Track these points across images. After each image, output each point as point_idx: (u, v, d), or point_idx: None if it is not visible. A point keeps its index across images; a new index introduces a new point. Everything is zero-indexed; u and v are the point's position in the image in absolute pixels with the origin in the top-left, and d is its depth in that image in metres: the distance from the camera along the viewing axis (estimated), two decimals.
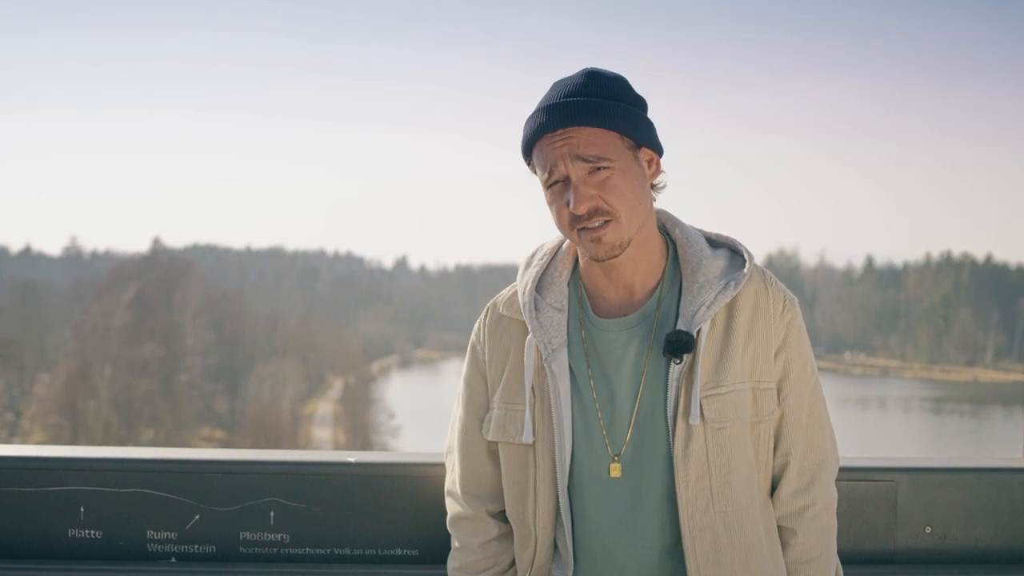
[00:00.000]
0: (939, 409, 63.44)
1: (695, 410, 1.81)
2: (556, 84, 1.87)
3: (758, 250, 1.93)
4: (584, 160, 1.79)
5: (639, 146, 1.84)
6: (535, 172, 1.89)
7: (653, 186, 1.88)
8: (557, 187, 1.82)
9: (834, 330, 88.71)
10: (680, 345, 1.81)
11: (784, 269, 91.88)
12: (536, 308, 1.91)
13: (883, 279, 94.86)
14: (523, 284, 1.95)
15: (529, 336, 1.90)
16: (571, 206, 1.79)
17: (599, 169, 1.79)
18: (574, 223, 1.81)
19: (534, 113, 1.85)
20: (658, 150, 1.88)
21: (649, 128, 1.86)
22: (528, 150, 1.87)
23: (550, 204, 1.85)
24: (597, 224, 1.80)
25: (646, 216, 1.86)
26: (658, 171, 1.88)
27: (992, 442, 49.90)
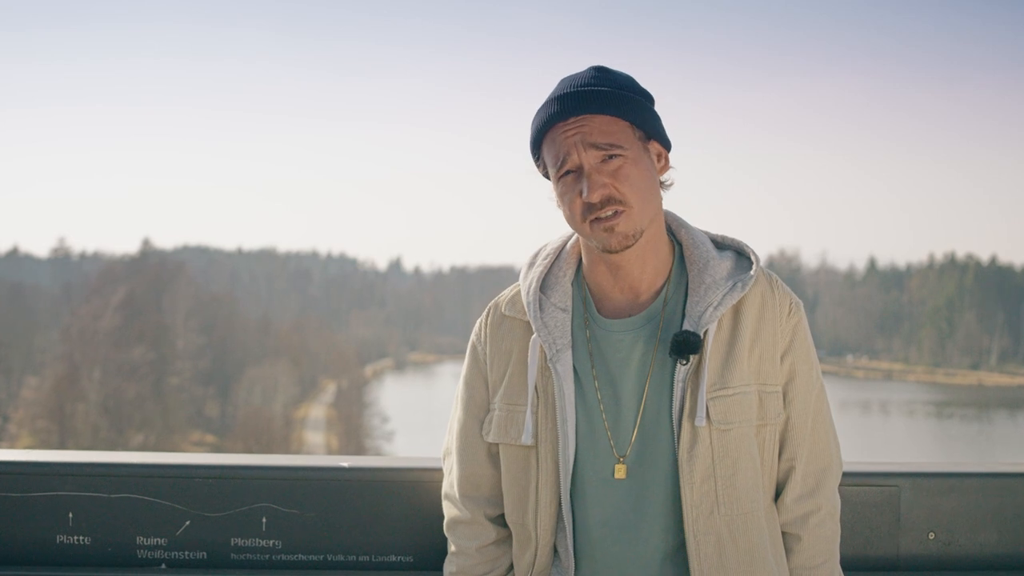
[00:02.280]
0: (943, 413, 63.44)
1: (701, 411, 1.80)
2: (564, 79, 1.87)
3: (759, 251, 1.93)
4: (597, 148, 1.78)
5: (649, 138, 1.84)
6: (542, 169, 1.88)
7: (661, 183, 1.87)
8: (569, 178, 1.81)
9: (836, 333, 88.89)
10: (687, 346, 1.80)
11: (785, 270, 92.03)
12: (540, 308, 1.90)
13: (886, 281, 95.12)
14: (527, 284, 1.94)
15: (533, 336, 1.88)
16: (584, 195, 1.78)
17: (612, 157, 1.79)
18: (587, 213, 1.80)
19: (544, 104, 1.84)
20: (667, 145, 1.88)
21: (658, 121, 1.87)
22: (537, 143, 1.86)
23: (561, 196, 1.84)
24: (610, 213, 1.79)
25: (656, 210, 1.85)
26: (667, 166, 1.88)
27: (997, 446, 50.09)
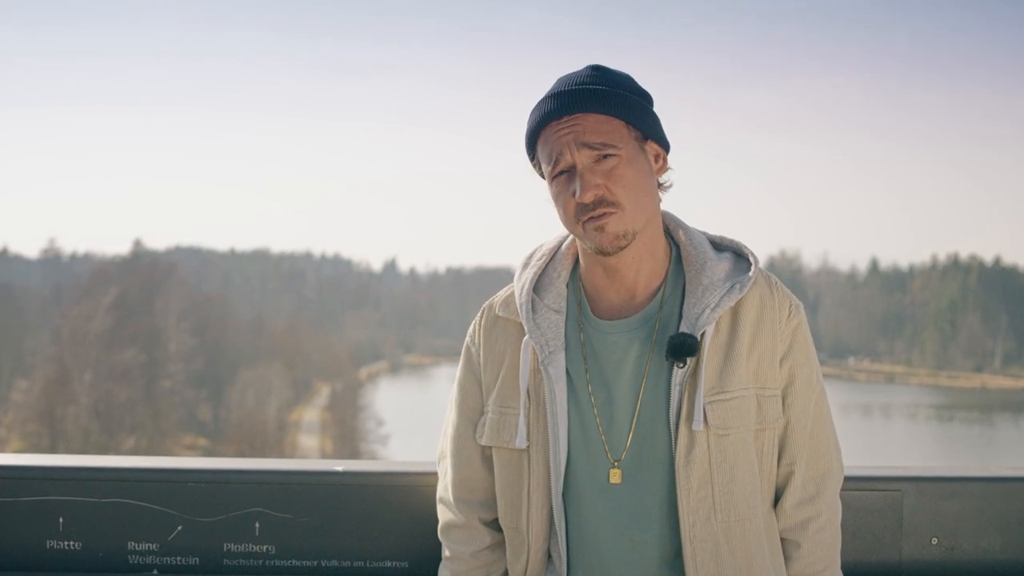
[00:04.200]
0: (946, 416, 63.22)
1: (698, 416, 1.77)
2: (561, 78, 1.86)
3: (759, 252, 1.91)
4: (590, 147, 1.77)
5: (646, 138, 1.82)
6: (538, 169, 1.86)
7: (659, 184, 1.86)
8: (562, 178, 1.80)
9: (838, 335, 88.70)
10: (684, 348, 1.77)
11: (786, 272, 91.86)
12: (533, 309, 1.88)
13: (888, 282, 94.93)
14: (520, 285, 1.92)
15: (525, 338, 1.86)
16: (577, 195, 1.76)
17: (605, 157, 1.77)
18: (580, 214, 1.78)
19: (539, 103, 1.83)
20: (665, 145, 1.86)
21: (656, 121, 1.85)
22: (532, 142, 1.85)
23: (556, 197, 1.82)
24: (600, 214, 1.77)
25: (652, 212, 1.83)
26: (664, 167, 1.86)
27: (1000, 450, 50.17)
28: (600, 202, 1.76)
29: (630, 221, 1.78)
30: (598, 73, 1.82)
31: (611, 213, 1.76)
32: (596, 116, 1.77)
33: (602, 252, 1.80)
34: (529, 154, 1.87)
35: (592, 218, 1.77)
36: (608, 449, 1.82)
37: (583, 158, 1.77)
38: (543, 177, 1.86)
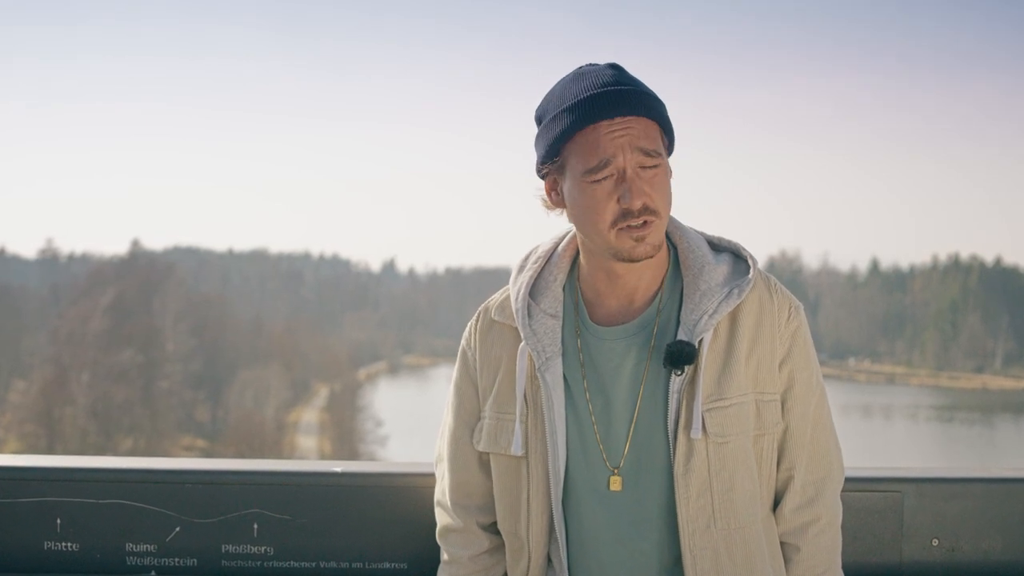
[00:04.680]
0: (947, 417, 63.08)
1: (697, 424, 1.76)
2: (587, 73, 1.79)
3: (759, 253, 1.89)
4: (645, 153, 1.73)
5: (670, 146, 1.81)
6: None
7: None
8: (608, 181, 1.74)
9: (838, 335, 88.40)
10: (681, 356, 1.76)
11: (786, 272, 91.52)
12: (529, 314, 1.86)
13: (889, 282, 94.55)
14: (516, 289, 1.89)
15: (522, 344, 1.84)
16: (625, 200, 1.72)
17: (653, 166, 1.74)
18: (619, 220, 1.74)
19: (584, 98, 1.74)
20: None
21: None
22: (565, 138, 1.76)
23: (592, 198, 1.74)
24: (642, 223, 1.74)
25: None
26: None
27: (1001, 451, 50.11)
28: (644, 210, 1.73)
29: (662, 231, 1.77)
30: (627, 74, 1.78)
31: (651, 222, 1.74)
32: (646, 121, 1.74)
33: (632, 259, 1.76)
34: (552, 151, 1.78)
35: (632, 226, 1.73)
36: (606, 457, 1.80)
37: (633, 163, 1.73)
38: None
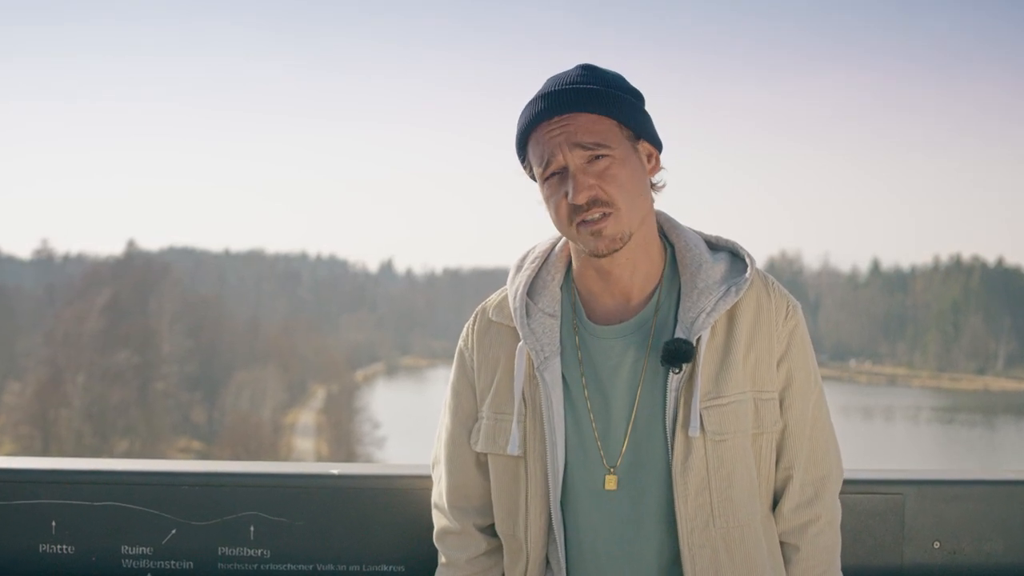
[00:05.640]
0: (948, 419, 62.96)
1: (695, 422, 1.76)
2: (551, 78, 1.83)
3: (759, 253, 1.88)
4: (582, 147, 1.75)
5: (638, 138, 1.80)
6: (528, 171, 1.84)
7: (652, 185, 1.84)
8: (554, 180, 1.78)
9: (839, 337, 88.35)
10: (679, 354, 1.76)
11: (786, 273, 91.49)
12: (527, 314, 1.86)
13: (890, 283, 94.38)
14: (514, 288, 1.90)
15: (520, 343, 1.84)
16: (569, 196, 1.74)
17: (598, 158, 1.75)
18: (573, 216, 1.76)
19: (528, 103, 1.81)
20: (657, 145, 1.84)
21: (648, 120, 1.83)
22: (523, 144, 1.82)
23: (547, 200, 1.80)
24: (597, 216, 1.75)
25: (646, 213, 1.82)
26: (658, 167, 1.84)
27: (1003, 453, 50.12)
28: (594, 203, 1.74)
29: (625, 222, 1.76)
30: (588, 72, 1.80)
31: (608, 214, 1.74)
32: (588, 116, 1.75)
33: (596, 255, 1.78)
34: (520, 156, 1.85)
35: (586, 221, 1.75)
36: (604, 455, 1.80)
37: (575, 159, 1.74)
38: (534, 179, 1.84)
